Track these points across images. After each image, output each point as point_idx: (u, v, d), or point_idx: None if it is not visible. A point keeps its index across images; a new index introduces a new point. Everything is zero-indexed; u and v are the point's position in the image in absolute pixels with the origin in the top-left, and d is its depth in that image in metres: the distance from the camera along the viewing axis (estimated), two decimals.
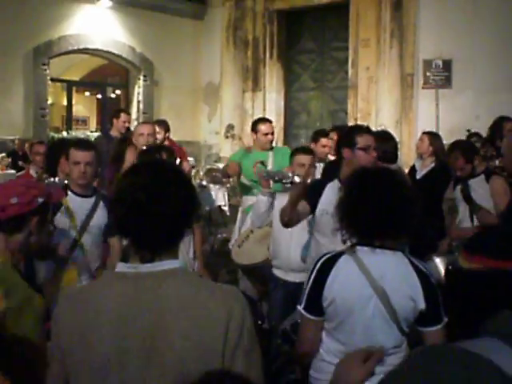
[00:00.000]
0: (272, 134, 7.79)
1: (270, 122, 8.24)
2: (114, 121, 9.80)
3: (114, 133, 9.63)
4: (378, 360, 2.25)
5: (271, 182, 5.69)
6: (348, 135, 5.06)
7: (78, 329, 2.22)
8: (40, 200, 3.11)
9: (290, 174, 5.13)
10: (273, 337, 3.98)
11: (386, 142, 6.20)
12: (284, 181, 5.32)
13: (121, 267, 2.31)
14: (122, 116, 9.95)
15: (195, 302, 2.22)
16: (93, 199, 5.25)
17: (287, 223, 5.05)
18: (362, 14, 15.57)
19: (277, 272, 5.91)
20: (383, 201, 3.15)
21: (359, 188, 3.28)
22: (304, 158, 5.85)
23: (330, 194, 4.81)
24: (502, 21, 14.13)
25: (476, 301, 1.93)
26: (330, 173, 5.82)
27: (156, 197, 2.24)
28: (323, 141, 8.10)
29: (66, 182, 5.18)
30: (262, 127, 7.80)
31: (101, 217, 5.23)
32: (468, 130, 10.35)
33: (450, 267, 2.12)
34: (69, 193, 5.12)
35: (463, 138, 9.89)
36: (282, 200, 5.68)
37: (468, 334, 1.84)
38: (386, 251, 3.18)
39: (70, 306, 2.30)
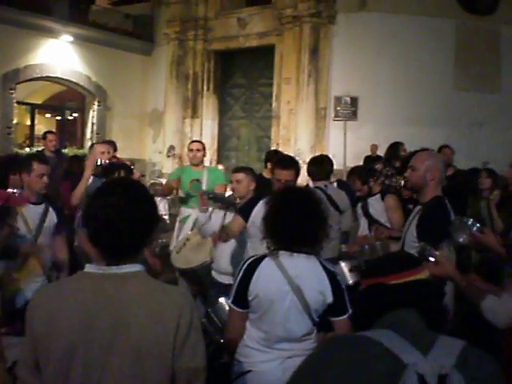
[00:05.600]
0: (199, 151, 7.77)
1: (199, 142, 8.30)
2: (43, 142, 9.67)
3: (46, 152, 9.48)
4: None
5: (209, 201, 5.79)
6: (273, 163, 5.11)
7: (49, 318, 2.20)
8: None
9: (227, 195, 5.23)
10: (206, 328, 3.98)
11: (319, 164, 6.31)
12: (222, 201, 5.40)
13: (89, 268, 2.30)
14: (48, 137, 9.84)
15: (152, 301, 2.23)
16: (43, 205, 5.16)
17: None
18: (285, 57, 15.76)
19: (214, 273, 5.92)
20: (301, 216, 3.21)
21: (282, 204, 3.33)
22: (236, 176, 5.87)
23: (260, 209, 4.85)
24: (399, 66, 14.54)
25: (372, 306, 2.12)
26: (261, 188, 5.85)
27: (126, 215, 2.24)
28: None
29: (20, 191, 5.05)
30: (191, 146, 7.88)
31: (51, 220, 5.18)
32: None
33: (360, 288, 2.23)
34: None
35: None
36: (217, 214, 5.76)
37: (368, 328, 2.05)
38: (302, 255, 3.24)
39: (43, 298, 2.28)
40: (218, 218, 5.77)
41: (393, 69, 14.56)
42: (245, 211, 5.10)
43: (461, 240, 4.10)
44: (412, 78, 14.48)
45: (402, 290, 2.05)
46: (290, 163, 5.13)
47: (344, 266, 5.73)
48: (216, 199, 5.91)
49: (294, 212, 3.24)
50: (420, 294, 2.07)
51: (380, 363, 1.85)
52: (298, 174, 5.10)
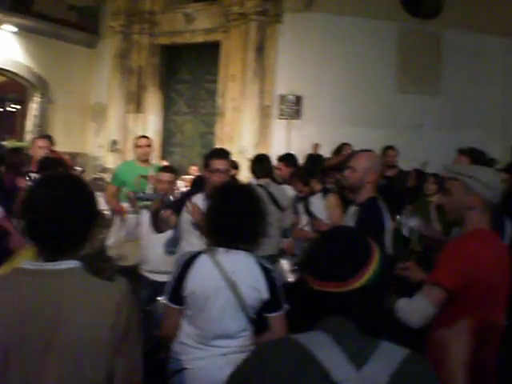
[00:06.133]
0: (149, 146, 7.80)
1: (147, 137, 8.27)
2: None
3: None
4: None
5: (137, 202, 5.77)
6: (205, 159, 5.08)
7: None
8: None
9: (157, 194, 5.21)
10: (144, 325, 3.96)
11: (262, 162, 6.39)
12: (150, 199, 5.37)
13: (26, 264, 2.26)
14: None
15: (89, 297, 2.21)
16: None
17: (157, 231, 5.13)
18: (231, 54, 15.74)
19: (145, 273, 5.91)
20: (240, 213, 3.23)
21: (221, 201, 3.34)
22: (164, 176, 5.89)
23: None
24: (343, 67, 14.69)
25: (312, 308, 2.00)
26: (198, 185, 5.88)
27: (67, 208, 2.23)
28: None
29: None
30: (139, 142, 7.85)
31: None
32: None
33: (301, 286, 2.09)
34: None
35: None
36: (146, 215, 5.72)
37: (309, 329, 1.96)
38: (239, 251, 3.26)
39: None
40: (146, 218, 5.71)
41: (337, 69, 14.70)
42: (175, 206, 5.08)
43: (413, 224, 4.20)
44: (355, 79, 14.65)
45: (342, 298, 1.91)
46: (223, 152, 5.16)
47: (285, 263, 5.79)
48: (144, 199, 5.89)
49: (232, 209, 3.26)
50: (360, 301, 1.93)
51: (308, 378, 1.78)
52: (232, 165, 5.14)
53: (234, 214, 3.22)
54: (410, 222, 5.41)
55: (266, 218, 3.36)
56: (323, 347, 1.83)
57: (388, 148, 9.31)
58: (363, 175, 4.26)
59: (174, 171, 6.07)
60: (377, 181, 4.34)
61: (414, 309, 3.10)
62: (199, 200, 4.88)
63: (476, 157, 4.54)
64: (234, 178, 5.33)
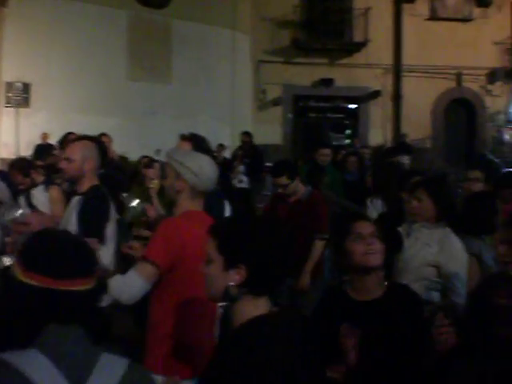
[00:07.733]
0: None
1: None
2: None
3: None
4: None
5: None
6: None
7: None
8: None
9: None
10: None
11: None
12: None
13: None
14: None
15: None
16: None
17: None
18: None
19: None
20: None
21: None
22: None
23: None
24: (73, 54, 14.42)
25: (30, 314, 1.70)
26: None
27: None
28: None
29: None
30: None
31: None
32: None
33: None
34: None
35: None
36: None
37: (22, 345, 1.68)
38: None
39: None
40: None
41: (66, 56, 14.40)
42: None
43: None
44: (86, 67, 14.47)
45: (79, 298, 1.70)
46: None
47: (8, 261, 5.50)
48: None
49: None
50: (89, 301, 1.74)
51: None
52: None
53: None
54: (132, 203, 5.56)
55: None
56: (40, 370, 1.62)
57: (101, 135, 9.35)
58: (81, 164, 4.18)
59: None
60: (96, 167, 4.28)
61: (126, 285, 3.09)
62: None
63: (197, 142, 4.65)
64: None
